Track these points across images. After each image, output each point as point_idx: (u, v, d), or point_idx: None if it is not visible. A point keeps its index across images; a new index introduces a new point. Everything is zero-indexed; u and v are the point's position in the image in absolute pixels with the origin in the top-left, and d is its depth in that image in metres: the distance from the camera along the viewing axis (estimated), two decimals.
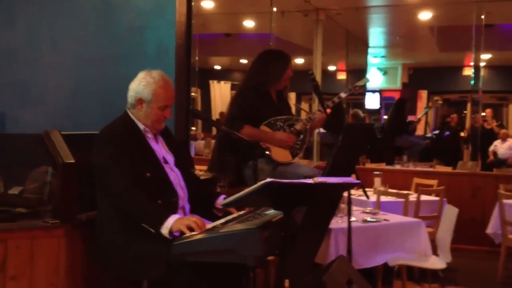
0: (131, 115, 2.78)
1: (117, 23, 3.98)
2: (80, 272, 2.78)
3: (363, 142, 3.91)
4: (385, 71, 14.22)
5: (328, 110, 3.62)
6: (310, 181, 2.41)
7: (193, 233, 2.41)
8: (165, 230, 2.46)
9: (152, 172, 2.68)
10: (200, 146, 10.65)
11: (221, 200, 2.89)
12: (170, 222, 2.46)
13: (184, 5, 4.18)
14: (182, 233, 2.46)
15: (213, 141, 8.86)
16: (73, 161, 2.71)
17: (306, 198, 2.65)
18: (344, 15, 9.22)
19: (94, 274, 2.83)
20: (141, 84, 2.73)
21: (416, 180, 6.54)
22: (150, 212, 2.53)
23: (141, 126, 2.76)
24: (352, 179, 2.87)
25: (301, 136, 3.72)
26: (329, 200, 3.15)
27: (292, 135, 3.68)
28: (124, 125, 2.74)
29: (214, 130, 10.99)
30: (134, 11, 4.02)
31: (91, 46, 3.90)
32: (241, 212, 2.85)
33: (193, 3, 4.27)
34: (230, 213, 2.86)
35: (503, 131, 10.37)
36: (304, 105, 12.91)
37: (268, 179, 2.28)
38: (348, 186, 3.21)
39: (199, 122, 11.97)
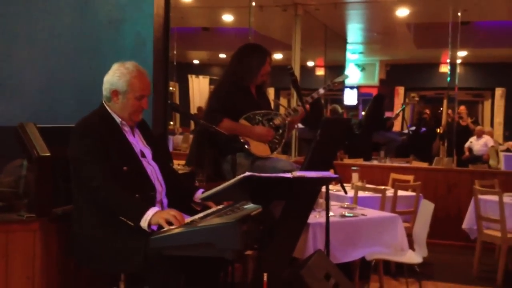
0: (107, 108, 2.74)
1: (93, 15, 3.93)
2: (56, 266, 2.75)
3: (341, 136, 3.93)
4: (363, 67, 14.33)
5: (307, 106, 3.62)
6: (288, 175, 2.42)
7: (172, 227, 2.39)
8: (144, 222, 2.44)
9: (129, 166, 2.64)
10: (178, 140, 10.59)
11: (199, 194, 2.87)
12: (150, 215, 2.45)
13: None
14: (160, 226, 2.45)
15: (191, 136, 8.82)
16: (48, 154, 2.67)
17: (285, 192, 2.65)
18: (322, 10, 9.25)
19: (70, 268, 2.80)
20: (115, 76, 2.70)
21: (393, 175, 6.59)
22: (129, 205, 2.51)
23: (118, 119, 2.73)
24: (330, 173, 2.89)
25: (280, 131, 3.72)
26: (307, 195, 3.15)
27: (271, 130, 3.68)
28: (100, 118, 2.70)
29: (192, 125, 10.95)
30: (111, 3, 3.97)
31: (67, 38, 3.85)
32: (220, 206, 2.84)
33: None
34: (209, 207, 2.85)
35: (479, 127, 10.52)
36: (283, 101, 12.92)
37: (247, 173, 2.27)
38: (326, 181, 3.22)
39: (177, 116, 11.90)
